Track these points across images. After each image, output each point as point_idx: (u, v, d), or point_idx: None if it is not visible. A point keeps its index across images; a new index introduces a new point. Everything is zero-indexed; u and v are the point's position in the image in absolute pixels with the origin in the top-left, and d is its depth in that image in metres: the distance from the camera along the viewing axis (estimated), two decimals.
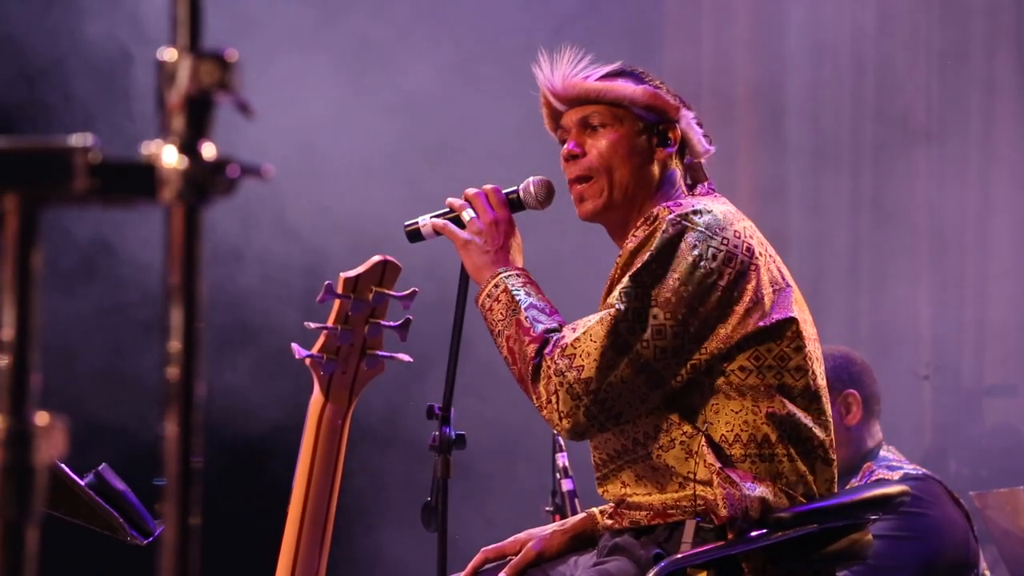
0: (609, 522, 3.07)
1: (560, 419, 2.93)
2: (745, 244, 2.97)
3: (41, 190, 1.29)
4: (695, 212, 2.97)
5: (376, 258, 3.07)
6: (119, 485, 2.98)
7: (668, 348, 2.92)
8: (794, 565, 2.97)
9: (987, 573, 4.02)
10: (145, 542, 2.98)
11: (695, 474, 2.93)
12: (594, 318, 2.95)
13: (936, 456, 6.64)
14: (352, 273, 3.05)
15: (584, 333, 2.93)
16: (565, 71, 3.16)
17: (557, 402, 2.93)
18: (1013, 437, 6.73)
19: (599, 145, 3.13)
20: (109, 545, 3.21)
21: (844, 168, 7.14)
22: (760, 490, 2.91)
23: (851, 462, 4.04)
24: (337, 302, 3.05)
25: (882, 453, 4.08)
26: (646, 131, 3.13)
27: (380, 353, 3.09)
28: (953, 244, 7.07)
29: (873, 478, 3.99)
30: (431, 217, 3.21)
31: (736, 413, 2.94)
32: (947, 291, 7.05)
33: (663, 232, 2.94)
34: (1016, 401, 6.88)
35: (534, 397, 2.98)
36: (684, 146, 3.16)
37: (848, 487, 3.84)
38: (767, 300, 2.96)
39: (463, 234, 3.14)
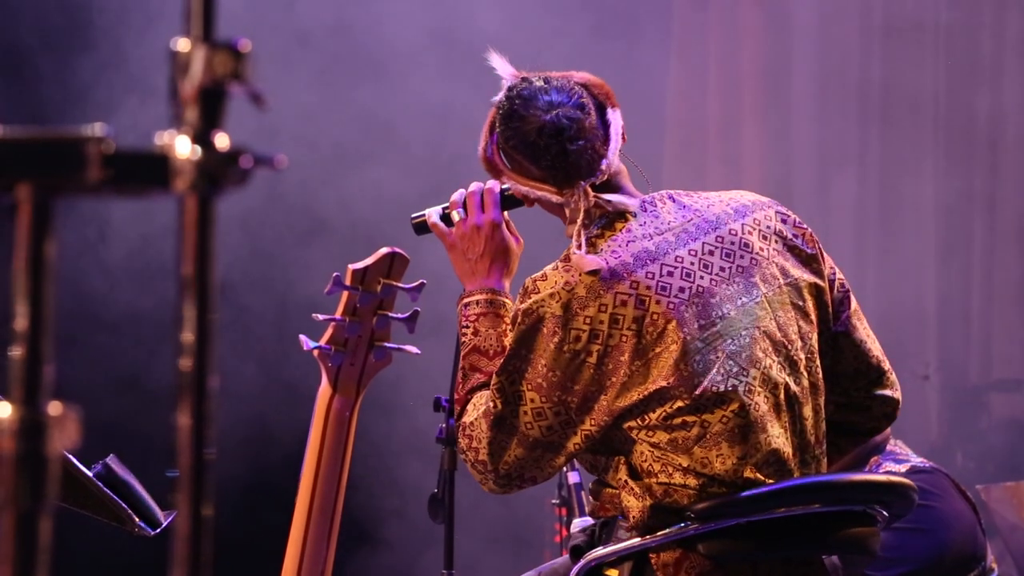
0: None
1: (480, 483, 3.03)
2: (613, 316, 2.88)
3: (54, 179, 1.29)
4: (552, 295, 2.91)
5: (384, 250, 3.07)
6: (126, 476, 2.98)
7: (554, 425, 2.93)
8: (756, 555, 2.92)
9: (994, 566, 4.02)
10: (153, 533, 2.98)
11: (619, 488, 2.95)
12: (482, 404, 2.97)
13: (942, 450, 6.63)
14: (360, 265, 3.05)
15: (475, 419, 2.98)
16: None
17: (471, 469, 3.01)
18: (1019, 431, 6.73)
19: None
20: (117, 537, 3.21)
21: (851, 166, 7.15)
22: (675, 498, 2.90)
23: (858, 455, 4.04)
24: (345, 294, 3.05)
25: (889, 447, 4.07)
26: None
27: (388, 345, 3.09)
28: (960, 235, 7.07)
29: (880, 471, 3.98)
30: (435, 210, 3.21)
31: (646, 447, 2.91)
32: (953, 284, 7.05)
33: (520, 323, 2.93)
34: (1022, 395, 6.87)
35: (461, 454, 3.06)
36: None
37: None
38: (643, 370, 2.87)
39: (449, 236, 3.14)
